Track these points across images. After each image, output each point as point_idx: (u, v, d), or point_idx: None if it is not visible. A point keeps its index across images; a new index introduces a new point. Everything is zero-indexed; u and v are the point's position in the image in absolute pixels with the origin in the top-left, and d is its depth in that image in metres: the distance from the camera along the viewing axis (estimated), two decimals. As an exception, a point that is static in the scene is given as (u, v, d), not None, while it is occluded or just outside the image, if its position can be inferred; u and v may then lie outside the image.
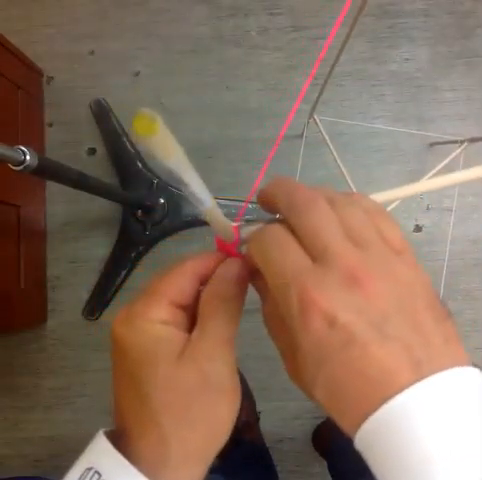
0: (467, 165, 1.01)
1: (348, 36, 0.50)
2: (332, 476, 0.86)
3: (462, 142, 0.89)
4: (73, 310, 1.06)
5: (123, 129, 1.05)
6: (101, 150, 1.07)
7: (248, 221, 0.25)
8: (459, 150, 0.89)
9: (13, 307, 0.96)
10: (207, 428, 0.22)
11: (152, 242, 1.04)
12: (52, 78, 1.10)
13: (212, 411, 0.22)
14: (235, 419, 0.23)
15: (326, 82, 0.64)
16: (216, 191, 1.03)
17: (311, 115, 0.84)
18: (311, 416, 1.03)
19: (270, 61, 1.06)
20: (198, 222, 1.02)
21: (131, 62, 1.08)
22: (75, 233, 1.07)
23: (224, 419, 0.23)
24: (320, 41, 1.05)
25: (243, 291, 0.24)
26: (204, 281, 0.24)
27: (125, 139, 1.04)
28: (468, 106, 1.02)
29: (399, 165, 1.04)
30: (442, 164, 0.88)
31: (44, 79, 1.10)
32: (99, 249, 1.06)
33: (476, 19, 1.04)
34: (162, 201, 1.03)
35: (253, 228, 0.24)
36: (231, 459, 0.89)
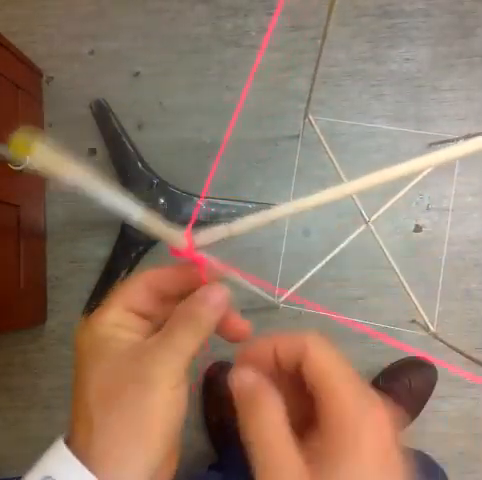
0: (462, 161, 1.01)
1: (327, 25, 0.50)
2: None
3: (458, 140, 0.89)
4: (73, 310, 1.06)
5: (123, 129, 1.05)
6: (101, 150, 1.07)
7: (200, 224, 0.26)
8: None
9: (12, 307, 0.96)
10: (138, 417, 0.21)
11: (152, 242, 1.04)
12: (52, 78, 1.10)
13: (144, 401, 0.22)
14: (173, 429, 0.22)
15: (314, 79, 0.64)
16: (215, 191, 1.03)
17: (306, 115, 0.84)
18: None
19: (270, 61, 1.06)
20: (198, 222, 1.02)
21: (131, 62, 1.08)
22: (75, 233, 1.07)
23: (154, 418, 0.22)
24: (320, 41, 1.05)
25: (215, 320, 0.24)
26: (162, 292, 0.25)
27: (125, 139, 1.04)
28: (468, 106, 1.02)
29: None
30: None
31: (44, 79, 1.10)
32: (99, 249, 1.06)
33: (476, 19, 1.04)
34: (162, 201, 1.03)
35: (205, 233, 0.25)
36: (231, 459, 0.89)
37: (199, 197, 1.02)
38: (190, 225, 0.25)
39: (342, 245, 0.92)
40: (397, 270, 0.87)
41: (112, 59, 1.09)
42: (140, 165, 1.03)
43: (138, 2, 1.09)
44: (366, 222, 0.90)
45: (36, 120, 1.07)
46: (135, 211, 0.22)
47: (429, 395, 0.99)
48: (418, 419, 1.00)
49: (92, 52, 1.09)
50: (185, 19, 1.08)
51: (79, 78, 1.09)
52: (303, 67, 1.05)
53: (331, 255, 0.93)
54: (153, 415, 0.22)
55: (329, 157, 0.84)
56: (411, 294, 0.86)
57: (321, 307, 1.00)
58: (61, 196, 1.07)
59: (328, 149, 0.84)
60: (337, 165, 0.86)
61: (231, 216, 1.02)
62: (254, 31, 1.07)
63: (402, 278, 0.86)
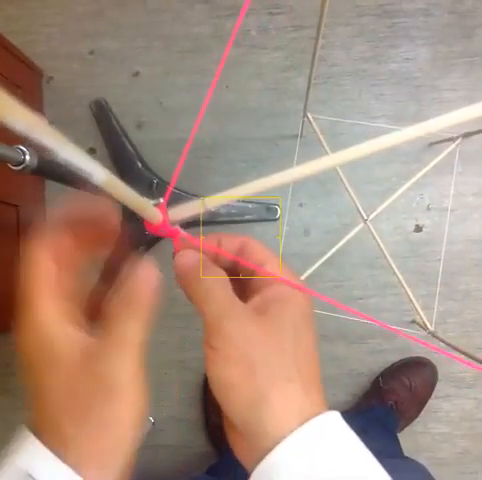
0: (463, 160, 1.01)
1: (320, 23, 0.50)
2: None
3: (456, 138, 0.89)
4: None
5: (123, 129, 1.05)
6: (101, 150, 1.07)
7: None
8: (453, 145, 0.89)
9: (12, 307, 0.96)
10: (107, 431, 0.22)
11: (152, 242, 1.04)
12: (52, 78, 1.10)
13: (112, 414, 0.22)
14: (140, 422, 0.23)
15: (310, 78, 0.64)
16: (215, 191, 1.03)
17: (305, 113, 0.84)
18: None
19: (270, 61, 1.06)
20: (197, 222, 1.02)
21: (131, 62, 1.08)
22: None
23: (124, 422, 0.22)
24: (320, 41, 1.05)
25: (154, 297, 0.23)
26: (75, 242, 0.24)
27: (125, 139, 1.04)
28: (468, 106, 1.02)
29: (399, 165, 1.04)
30: (437, 159, 0.88)
31: (44, 79, 1.10)
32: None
33: (476, 19, 1.04)
34: (161, 201, 1.02)
35: (180, 207, 0.24)
36: (231, 459, 0.89)
37: (199, 197, 1.02)
38: (165, 200, 0.24)
39: (340, 244, 0.92)
40: (395, 269, 0.87)
41: (112, 59, 1.09)
42: (140, 165, 1.03)
43: (138, 2, 1.09)
44: (364, 221, 0.90)
45: (36, 120, 1.07)
46: (98, 172, 0.19)
47: (429, 395, 0.99)
48: (418, 419, 1.00)
49: (92, 52, 1.09)
50: (185, 19, 1.08)
51: (79, 78, 1.09)
52: (303, 67, 1.05)
53: (329, 254, 0.92)
54: (124, 421, 0.22)
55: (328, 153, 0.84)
56: (410, 293, 0.86)
57: (320, 307, 1.00)
58: (61, 196, 1.07)
59: (326, 147, 0.84)
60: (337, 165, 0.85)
61: (231, 216, 1.02)
62: (254, 31, 1.07)
63: (400, 277, 0.86)
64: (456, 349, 0.75)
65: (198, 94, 1.07)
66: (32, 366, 0.22)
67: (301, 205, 1.04)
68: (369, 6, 1.05)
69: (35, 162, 0.56)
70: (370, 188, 1.04)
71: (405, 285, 0.86)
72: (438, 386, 1.00)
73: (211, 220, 1.01)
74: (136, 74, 1.08)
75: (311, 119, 0.85)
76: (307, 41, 1.06)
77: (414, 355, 1.01)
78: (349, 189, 0.88)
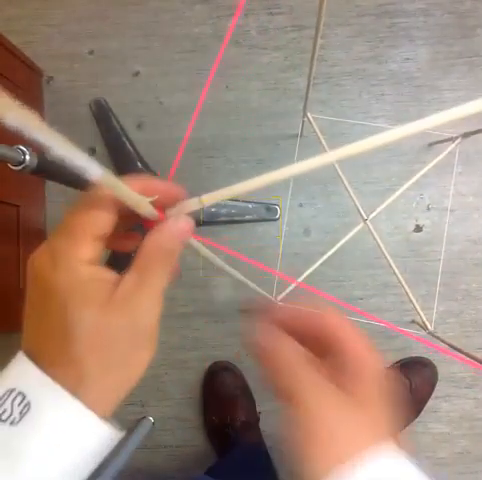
0: (463, 160, 1.01)
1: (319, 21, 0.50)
2: None
3: (456, 138, 0.89)
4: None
5: (123, 129, 1.05)
6: (101, 150, 1.07)
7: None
8: (453, 145, 0.89)
9: (12, 307, 0.96)
10: (125, 371, 0.24)
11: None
12: (52, 78, 1.10)
13: (134, 357, 0.24)
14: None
15: (310, 78, 0.64)
16: (215, 191, 1.03)
17: (304, 113, 0.84)
18: (311, 416, 1.03)
19: (270, 61, 1.06)
20: (197, 222, 1.02)
21: (131, 62, 1.08)
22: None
23: (143, 364, 0.24)
24: (320, 41, 1.05)
25: (182, 247, 0.24)
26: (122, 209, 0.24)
27: (125, 139, 1.04)
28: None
29: (399, 165, 1.04)
30: (437, 159, 0.88)
31: (44, 79, 1.10)
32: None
33: (476, 19, 1.04)
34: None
35: (179, 205, 0.25)
36: (231, 459, 0.89)
37: (199, 197, 1.02)
38: (161, 196, 0.25)
39: (339, 244, 0.92)
40: (395, 269, 0.87)
41: (112, 59, 1.09)
42: (140, 165, 1.03)
43: (138, 2, 1.09)
44: (364, 220, 0.90)
45: (36, 120, 1.07)
46: (94, 168, 0.19)
47: (429, 395, 0.99)
48: (418, 419, 1.00)
49: (92, 52, 1.09)
50: (185, 19, 1.08)
51: (79, 78, 1.09)
52: (303, 67, 1.05)
53: (328, 254, 0.92)
54: (141, 365, 0.24)
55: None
56: (409, 293, 0.86)
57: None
58: (61, 196, 1.07)
59: (326, 146, 0.84)
60: (337, 165, 0.86)
61: (231, 216, 1.02)
62: (254, 31, 1.07)
63: (400, 276, 0.86)
64: (456, 349, 0.75)
65: (198, 94, 1.07)
66: (58, 302, 0.22)
67: (301, 205, 1.04)
68: (369, 6, 1.05)
69: (35, 162, 0.56)
70: (370, 188, 1.04)
71: (405, 285, 0.86)
72: (438, 386, 1.00)
73: (211, 220, 1.01)
74: (136, 74, 1.08)
75: (311, 119, 0.85)
76: (307, 41, 1.06)
77: (414, 355, 1.01)
78: (349, 189, 0.88)
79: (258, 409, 1.02)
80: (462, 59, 1.04)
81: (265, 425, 1.02)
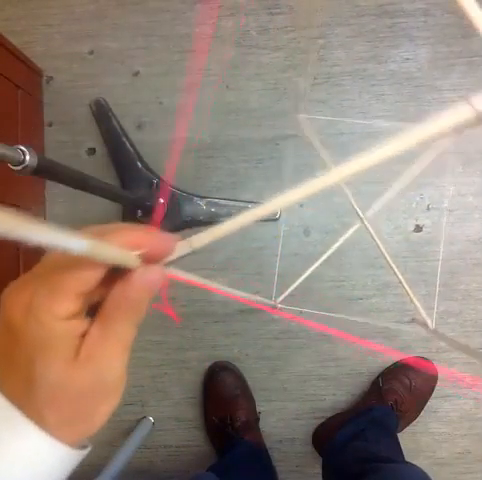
0: (463, 160, 1.01)
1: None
2: (324, 475, 0.86)
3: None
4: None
5: (123, 129, 1.05)
6: (101, 150, 1.07)
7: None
8: (447, 141, 0.89)
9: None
10: (84, 425, 0.24)
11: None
12: (52, 78, 1.10)
13: (95, 411, 0.24)
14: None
15: (307, 81, 0.64)
16: (215, 191, 1.03)
17: (299, 113, 0.84)
18: (311, 416, 1.03)
19: (270, 61, 1.06)
20: (197, 222, 1.02)
21: (130, 62, 1.08)
22: (75, 233, 1.07)
23: (103, 417, 0.24)
24: (320, 41, 1.05)
25: (151, 298, 0.23)
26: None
27: (125, 139, 1.04)
28: (468, 106, 1.02)
29: (399, 165, 1.04)
30: (431, 156, 0.88)
31: (44, 79, 1.10)
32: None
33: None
34: (162, 201, 1.03)
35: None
36: (230, 459, 0.89)
37: (199, 197, 1.02)
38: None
39: (337, 244, 0.92)
40: (394, 267, 0.87)
41: (112, 59, 1.09)
42: (140, 165, 1.03)
43: (138, 2, 1.09)
44: (361, 219, 0.90)
45: (36, 120, 1.07)
46: (75, 244, 0.18)
47: (429, 395, 0.99)
48: (418, 419, 1.00)
49: (92, 52, 1.09)
50: (185, 19, 1.08)
51: (79, 78, 1.09)
52: (303, 67, 1.05)
53: (326, 255, 0.92)
54: (105, 416, 0.24)
55: (321, 157, 0.84)
56: (408, 290, 0.86)
57: (320, 308, 1.00)
58: (61, 196, 1.07)
59: (320, 148, 0.84)
60: (329, 162, 0.85)
61: (231, 216, 1.02)
62: (254, 31, 1.07)
63: (398, 273, 0.86)
64: (458, 347, 0.75)
65: (198, 94, 1.07)
66: (26, 354, 0.22)
67: (301, 205, 1.04)
68: (369, 6, 1.05)
69: (35, 162, 0.56)
70: (370, 188, 1.04)
71: (403, 280, 0.86)
72: (438, 386, 1.00)
73: (211, 220, 1.01)
74: (136, 74, 1.08)
75: (304, 120, 0.85)
76: (307, 41, 1.06)
77: (414, 355, 1.01)
78: (344, 187, 0.88)
79: (258, 409, 1.02)
80: (462, 59, 1.04)
81: (265, 425, 1.02)
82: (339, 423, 0.94)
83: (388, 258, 0.86)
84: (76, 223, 1.07)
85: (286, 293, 0.87)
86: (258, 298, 0.63)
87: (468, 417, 1.02)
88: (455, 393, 1.01)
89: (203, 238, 0.24)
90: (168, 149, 1.06)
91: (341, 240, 0.90)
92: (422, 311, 0.87)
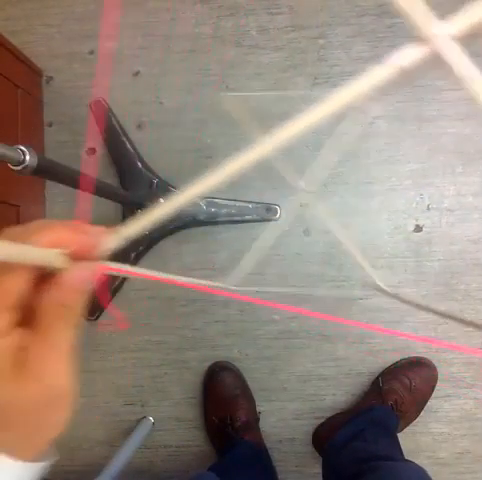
0: (463, 160, 1.01)
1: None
2: (324, 475, 0.86)
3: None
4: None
5: (123, 129, 1.05)
6: (101, 150, 1.07)
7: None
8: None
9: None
10: (42, 436, 0.23)
11: (152, 242, 1.04)
12: (51, 78, 1.10)
13: (50, 421, 0.23)
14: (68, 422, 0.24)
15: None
16: (216, 190, 1.03)
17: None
18: (311, 416, 1.03)
19: (270, 61, 1.06)
20: (198, 222, 1.02)
21: (131, 62, 1.08)
22: (75, 233, 1.07)
23: (57, 426, 0.23)
24: (320, 41, 1.05)
25: (84, 297, 0.23)
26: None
27: (125, 139, 1.04)
28: (468, 106, 1.02)
29: (399, 165, 1.04)
30: (357, 129, 0.87)
31: (44, 79, 1.10)
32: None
33: (476, 19, 1.04)
34: (162, 201, 1.02)
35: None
36: (230, 459, 0.89)
37: (199, 197, 1.02)
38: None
39: (286, 222, 0.91)
40: (345, 241, 0.87)
41: (112, 59, 1.09)
42: (140, 165, 1.03)
43: (138, 2, 1.09)
44: (303, 192, 0.89)
45: (36, 120, 1.07)
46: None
47: (429, 395, 0.99)
48: (418, 419, 1.00)
49: (92, 52, 1.09)
50: (185, 19, 1.08)
51: (79, 78, 1.09)
52: (303, 67, 1.05)
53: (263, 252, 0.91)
54: (59, 425, 0.23)
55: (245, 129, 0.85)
56: (360, 258, 0.87)
57: (321, 308, 1.00)
58: (61, 196, 1.07)
59: (245, 122, 0.84)
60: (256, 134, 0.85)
61: (231, 216, 1.02)
62: (254, 31, 1.07)
63: (348, 243, 0.87)
64: (422, 308, 0.76)
65: (198, 94, 1.07)
66: None
67: (301, 205, 1.04)
68: (369, 6, 1.05)
69: (35, 162, 0.56)
70: (370, 188, 1.04)
71: (354, 250, 0.87)
72: (438, 386, 1.00)
73: (211, 220, 1.01)
74: (136, 74, 1.08)
75: (228, 98, 0.84)
76: (307, 41, 1.06)
77: (414, 355, 1.01)
78: (280, 164, 0.88)
79: (258, 409, 1.02)
80: (462, 59, 1.04)
81: (265, 425, 1.02)
82: (339, 423, 0.94)
83: (342, 237, 0.87)
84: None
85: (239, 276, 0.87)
86: (215, 284, 0.62)
87: (468, 417, 1.02)
88: (455, 393, 1.01)
89: (131, 227, 0.23)
90: (168, 149, 1.06)
91: (288, 219, 0.88)
92: (377, 278, 0.88)
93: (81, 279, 0.22)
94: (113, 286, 1.04)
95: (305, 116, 0.19)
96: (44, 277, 0.22)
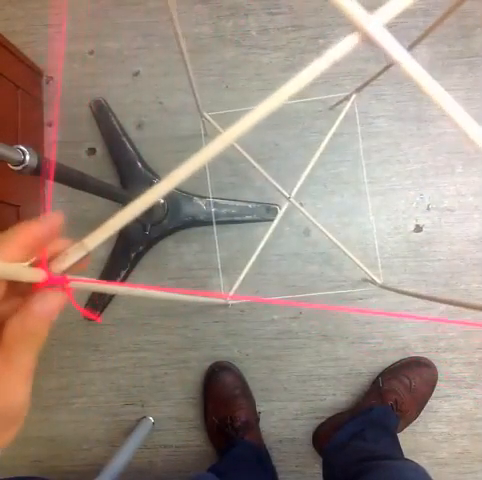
0: (463, 160, 1.01)
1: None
2: (324, 475, 0.86)
3: (350, 96, 0.89)
4: (72, 311, 1.06)
5: (123, 129, 1.05)
6: (101, 150, 1.07)
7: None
8: (349, 103, 0.89)
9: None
10: None
11: (152, 242, 1.04)
12: (52, 78, 1.10)
13: (1, 437, 0.24)
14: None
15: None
16: (216, 191, 1.03)
17: (201, 114, 0.85)
18: (311, 416, 1.03)
19: (270, 61, 1.06)
20: (197, 222, 1.02)
21: (131, 62, 1.08)
22: (75, 233, 1.07)
23: (8, 441, 0.25)
24: (320, 41, 1.05)
25: (50, 325, 0.23)
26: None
27: (125, 139, 1.04)
28: (468, 106, 1.02)
29: (399, 165, 1.04)
30: (339, 119, 0.88)
31: (44, 79, 1.10)
32: (99, 249, 1.05)
33: (476, 19, 1.04)
34: (162, 201, 1.03)
35: (61, 258, 0.23)
36: (230, 459, 0.89)
37: (199, 197, 1.02)
38: (45, 252, 0.23)
39: (272, 227, 0.93)
40: (334, 240, 0.88)
41: (112, 59, 1.09)
42: (140, 165, 1.03)
43: (138, 2, 1.09)
44: (287, 198, 0.91)
45: (36, 120, 1.07)
46: None
47: (429, 395, 0.99)
48: (418, 419, 1.00)
49: (92, 52, 1.09)
50: (185, 19, 1.08)
51: (79, 78, 1.09)
52: (304, 67, 1.05)
53: (256, 253, 0.91)
54: (8, 442, 0.24)
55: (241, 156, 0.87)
56: (351, 255, 0.89)
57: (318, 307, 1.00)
58: (61, 196, 1.07)
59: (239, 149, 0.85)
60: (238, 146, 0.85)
61: (231, 216, 1.02)
62: (254, 31, 1.07)
63: (337, 241, 0.88)
64: (409, 294, 0.78)
65: (198, 94, 1.06)
66: None
67: (301, 205, 1.04)
68: (369, 6, 1.04)
69: (35, 162, 0.56)
70: (370, 188, 1.04)
71: (346, 250, 0.89)
72: (438, 386, 1.00)
73: (211, 220, 1.01)
74: (136, 74, 1.08)
75: (208, 118, 0.86)
76: (307, 41, 1.06)
77: (414, 355, 1.01)
78: (259, 168, 0.89)
79: (258, 409, 1.02)
80: (462, 59, 1.04)
81: (265, 425, 1.02)
82: (339, 423, 0.94)
83: (328, 234, 0.88)
84: (76, 223, 1.07)
85: (236, 286, 0.88)
86: (210, 296, 0.63)
87: (468, 417, 1.02)
88: (455, 393, 1.01)
89: (96, 237, 0.23)
90: (168, 149, 1.06)
91: (276, 221, 0.90)
92: (366, 269, 0.92)
93: (50, 310, 0.22)
94: (103, 302, 1.04)
95: (259, 108, 0.21)
96: (13, 288, 0.22)
